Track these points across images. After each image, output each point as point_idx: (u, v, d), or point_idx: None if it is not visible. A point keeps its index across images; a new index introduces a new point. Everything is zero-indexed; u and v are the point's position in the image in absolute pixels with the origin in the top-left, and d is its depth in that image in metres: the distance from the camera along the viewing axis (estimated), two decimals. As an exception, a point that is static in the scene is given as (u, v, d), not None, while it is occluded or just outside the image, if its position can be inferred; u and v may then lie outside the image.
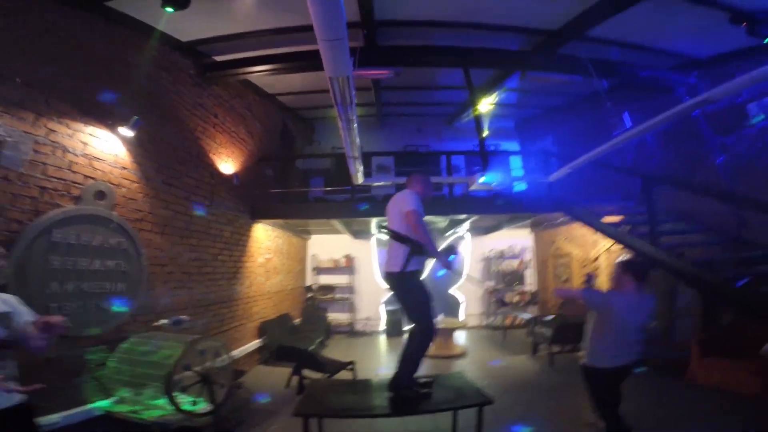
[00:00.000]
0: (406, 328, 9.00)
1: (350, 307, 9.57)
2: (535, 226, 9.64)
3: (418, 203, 2.89)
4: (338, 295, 9.58)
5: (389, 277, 2.94)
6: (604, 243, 7.04)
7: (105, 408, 2.93)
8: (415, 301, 2.87)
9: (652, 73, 5.44)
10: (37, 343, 1.81)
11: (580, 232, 7.72)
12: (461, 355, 6.89)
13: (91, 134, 3.44)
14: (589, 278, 3.52)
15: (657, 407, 4.10)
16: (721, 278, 3.84)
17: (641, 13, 4.21)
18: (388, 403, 2.77)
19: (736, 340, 4.65)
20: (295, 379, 4.78)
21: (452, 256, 2.96)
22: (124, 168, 3.77)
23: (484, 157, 5.67)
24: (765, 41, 4.11)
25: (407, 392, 2.74)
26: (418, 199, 2.92)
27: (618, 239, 5.33)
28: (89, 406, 2.99)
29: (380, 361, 6.75)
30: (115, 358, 3.09)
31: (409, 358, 2.83)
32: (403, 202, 2.90)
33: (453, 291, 9.73)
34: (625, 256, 6.62)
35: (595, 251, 7.46)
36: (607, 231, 5.50)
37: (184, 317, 3.57)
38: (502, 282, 9.84)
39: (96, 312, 3.25)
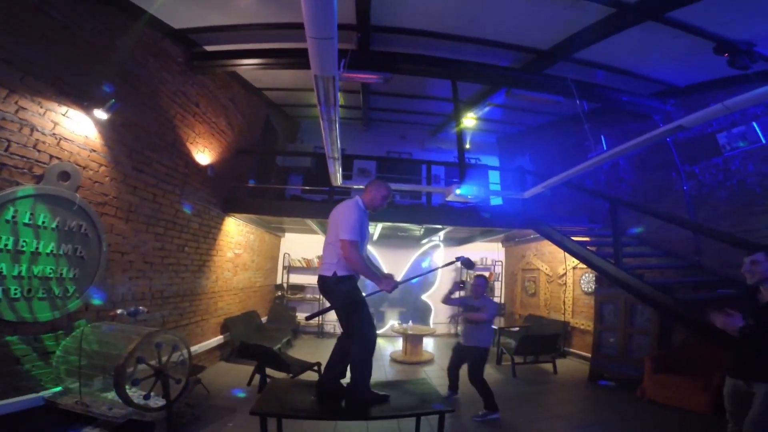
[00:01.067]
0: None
1: (320, 308, 9.46)
2: (507, 241, 9.86)
3: (356, 225, 2.69)
4: (309, 296, 9.46)
5: (320, 281, 2.81)
6: (571, 261, 7.28)
7: (49, 398, 2.78)
8: (345, 309, 2.76)
9: (632, 98, 5.67)
10: None
11: (549, 249, 7.95)
12: (429, 362, 6.93)
13: (63, 114, 3.31)
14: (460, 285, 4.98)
15: (609, 421, 4.25)
16: (676, 300, 4.03)
17: (630, 38, 4.34)
18: (351, 406, 2.73)
19: (686, 358, 4.87)
20: (257, 378, 4.67)
21: (414, 280, 2.96)
22: (93, 150, 3.63)
23: (462, 170, 5.75)
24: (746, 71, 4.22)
25: (363, 399, 2.71)
26: (358, 215, 2.74)
27: (583, 258, 5.51)
28: (32, 395, 2.83)
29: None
30: (64, 347, 2.94)
31: (355, 369, 2.74)
32: (343, 222, 2.71)
33: (425, 297, 9.78)
34: (589, 274, 6.89)
35: (562, 268, 7.69)
36: (575, 250, 5.68)
37: (141, 308, 3.44)
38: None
39: (47, 297, 3.08)
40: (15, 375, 2.82)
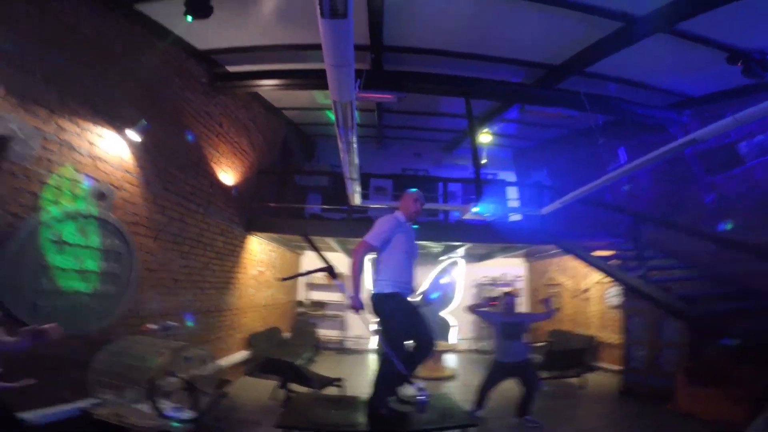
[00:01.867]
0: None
1: (341, 324, 9.49)
2: (528, 256, 9.75)
3: (381, 233, 2.88)
4: (329, 312, 9.50)
5: (370, 296, 2.93)
6: (595, 275, 7.13)
7: (85, 408, 2.89)
8: (384, 327, 2.84)
9: (647, 110, 5.63)
10: (17, 346, 1.79)
11: (572, 264, 7.82)
12: (450, 378, 6.84)
13: (98, 134, 3.49)
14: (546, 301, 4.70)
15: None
16: (704, 312, 3.92)
17: (641, 51, 4.36)
18: (373, 420, 2.76)
19: (720, 370, 4.71)
20: (281, 392, 4.70)
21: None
22: (127, 171, 3.82)
23: (478, 187, 5.78)
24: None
25: (378, 412, 2.73)
26: (388, 226, 2.91)
27: (609, 273, 5.42)
28: (69, 405, 2.94)
29: (369, 379, 6.65)
30: (99, 360, 3.06)
31: (375, 384, 2.82)
32: (372, 229, 2.94)
33: (444, 314, 9.68)
34: (614, 288, 6.74)
35: (585, 283, 7.54)
36: (599, 265, 5.60)
37: (172, 323, 3.55)
38: (492, 308, 9.83)
39: (84, 312, 3.23)
40: (54, 385, 2.94)
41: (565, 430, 4.39)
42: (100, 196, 3.45)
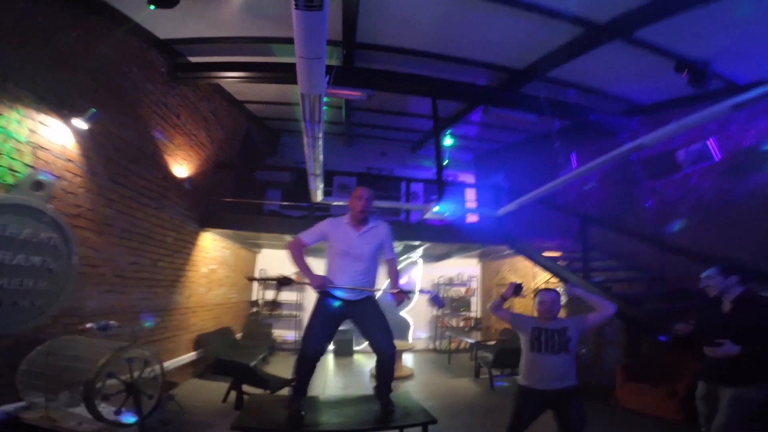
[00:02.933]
0: (356, 348, 8.93)
1: (297, 325, 9.32)
2: (483, 257, 10.07)
3: (313, 230, 3.01)
4: (285, 312, 9.32)
5: None
6: (544, 275, 7.49)
7: (11, 412, 2.66)
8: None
9: (601, 117, 5.94)
10: None
11: (523, 264, 8.16)
12: (409, 377, 6.96)
13: (41, 122, 3.25)
14: (517, 288, 3.11)
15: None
16: (643, 312, 4.23)
17: (600, 58, 4.56)
18: (331, 420, 2.78)
19: (653, 367, 5.08)
20: (233, 394, 4.56)
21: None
22: (70, 160, 3.56)
23: (440, 187, 5.91)
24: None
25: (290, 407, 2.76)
26: (322, 225, 3.02)
27: (555, 272, 5.71)
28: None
29: (326, 379, 6.61)
30: (30, 361, 2.83)
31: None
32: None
33: (403, 314, 9.80)
34: (560, 287, 7.09)
35: (534, 283, 7.91)
36: (546, 265, 5.88)
37: (112, 322, 3.33)
38: (450, 307, 10.10)
39: (12, 310, 2.96)
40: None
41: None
42: (37, 185, 3.19)
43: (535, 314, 3.14)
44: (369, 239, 3.00)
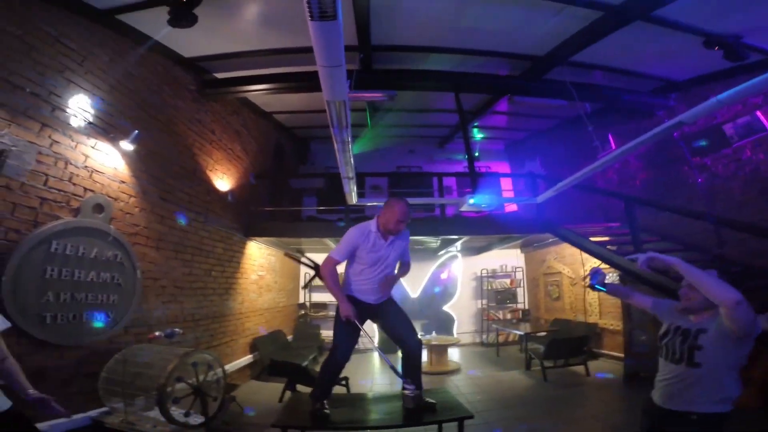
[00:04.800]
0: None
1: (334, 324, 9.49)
2: (525, 246, 9.81)
3: (344, 247, 2.89)
4: (331, 313, 9.51)
5: None
6: (593, 262, 7.19)
7: (95, 417, 2.91)
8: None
9: (633, 97, 5.70)
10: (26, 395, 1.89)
11: (570, 251, 7.88)
12: (455, 371, 6.88)
13: (92, 147, 3.49)
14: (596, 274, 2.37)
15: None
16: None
17: (622, 38, 4.40)
18: (374, 416, 2.81)
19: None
20: (288, 394, 4.73)
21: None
22: (123, 182, 3.83)
23: (473, 179, 5.84)
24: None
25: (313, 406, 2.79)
26: (352, 239, 2.88)
27: (605, 258, 5.47)
28: (80, 415, 2.96)
29: (374, 376, 6.71)
30: (108, 369, 3.08)
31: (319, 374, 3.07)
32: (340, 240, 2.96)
33: (447, 308, 9.74)
34: (613, 274, 6.79)
35: (584, 269, 7.61)
36: (594, 250, 5.65)
37: (177, 330, 3.56)
38: (495, 300, 9.91)
39: (89, 323, 3.25)
40: (64, 396, 2.95)
41: (574, 415, 4.39)
42: (98, 208, 3.46)
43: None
44: (396, 247, 3.01)
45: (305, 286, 8.81)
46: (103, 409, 3.09)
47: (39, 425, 1.81)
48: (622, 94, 5.62)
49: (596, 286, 2.31)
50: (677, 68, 5.35)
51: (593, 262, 7.16)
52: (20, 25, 2.90)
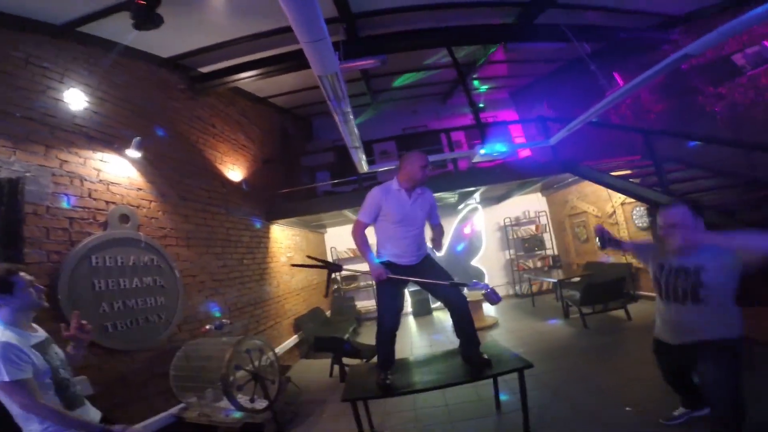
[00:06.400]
0: (433, 306, 9.15)
1: (375, 293, 9.72)
2: (545, 190, 9.66)
3: (367, 208, 2.91)
4: (362, 283, 9.72)
5: None
6: (618, 197, 7.06)
7: (176, 414, 3.08)
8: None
9: (633, 34, 5.54)
10: (75, 354, 2.01)
11: (591, 188, 7.73)
12: (493, 326, 6.88)
13: (101, 160, 3.48)
14: (602, 234, 2.44)
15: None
16: (741, 222, 3.79)
17: None
18: (426, 378, 2.88)
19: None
20: (336, 368, 4.92)
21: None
22: (140, 189, 3.85)
23: (481, 130, 5.71)
24: None
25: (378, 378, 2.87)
26: (372, 199, 2.90)
27: (629, 192, 5.35)
28: (164, 413, 3.17)
29: (412, 340, 6.89)
30: (175, 366, 3.24)
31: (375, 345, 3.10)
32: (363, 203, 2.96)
33: (475, 263, 9.76)
34: (641, 208, 6.65)
35: (610, 206, 7.46)
36: (617, 185, 5.52)
37: (225, 320, 3.70)
38: (523, 249, 9.85)
39: (147, 325, 3.41)
40: (147, 398, 3.16)
41: (621, 362, 4.19)
42: (124, 218, 3.51)
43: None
44: (421, 205, 2.99)
45: (327, 292, 8.86)
46: (181, 405, 3.28)
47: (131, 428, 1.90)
48: (620, 33, 5.46)
49: (607, 244, 2.30)
50: (674, 3, 5.22)
51: (618, 198, 7.05)
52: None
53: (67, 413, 1.72)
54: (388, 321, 2.98)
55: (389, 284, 2.89)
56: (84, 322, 2.04)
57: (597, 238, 2.43)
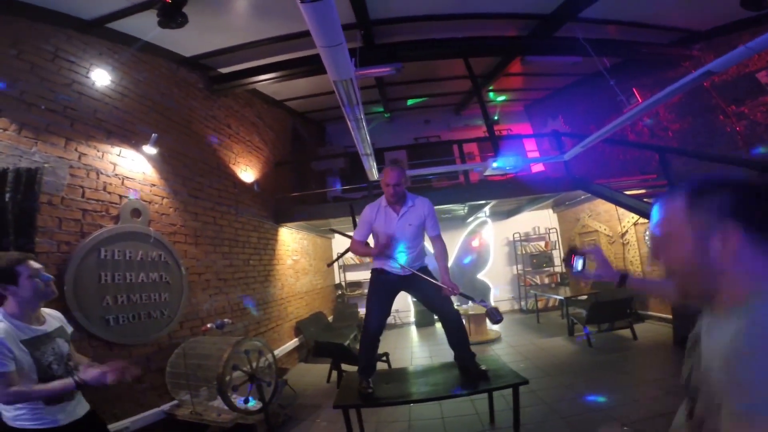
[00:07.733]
0: (436, 317, 9.05)
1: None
2: (556, 206, 9.55)
3: (359, 225, 3.11)
4: (366, 291, 9.66)
5: None
6: (630, 217, 6.94)
7: (167, 411, 3.11)
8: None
9: (653, 49, 5.49)
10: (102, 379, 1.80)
11: (604, 207, 7.62)
12: (496, 340, 6.83)
13: (118, 155, 3.56)
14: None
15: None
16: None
17: None
18: (422, 389, 2.87)
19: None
20: (334, 374, 4.90)
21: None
22: (153, 185, 3.92)
23: (494, 142, 5.69)
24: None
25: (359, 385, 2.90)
26: (363, 217, 3.08)
27: (642, 212, 5.26)
28: (155, 409, 3.18)
29: (412, 350, 6.84)
30: (171, 363, 3.27)
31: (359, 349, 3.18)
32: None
33: (481, 276, 9.69)
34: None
35: (621, 226, 7.34)
36: (631, 204, 5.43)
37: (226, 320, 3.72)
38: (531, 264, 9.74)
39: (147, 321, 3.45)
40: (138, 393, 3.18)
41: (624, 381, 4.17)
42: (135, 212, 3.58)
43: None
44: (410, 219, 2.99)
45: (331, 264, 8.85)
46: (173, 402, 3.31)
47: (118, 423, 1.90)
48: (641, 48, 5.41)
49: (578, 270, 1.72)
50: (697, 18, 5.14)
51: (631, 217, 6.93)
52: (13, 45, 2.89)
53: (34, 387, 1.68)
54: (374, 325, 3.01)
55: (382, 289, 2.98)
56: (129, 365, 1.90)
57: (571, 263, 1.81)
